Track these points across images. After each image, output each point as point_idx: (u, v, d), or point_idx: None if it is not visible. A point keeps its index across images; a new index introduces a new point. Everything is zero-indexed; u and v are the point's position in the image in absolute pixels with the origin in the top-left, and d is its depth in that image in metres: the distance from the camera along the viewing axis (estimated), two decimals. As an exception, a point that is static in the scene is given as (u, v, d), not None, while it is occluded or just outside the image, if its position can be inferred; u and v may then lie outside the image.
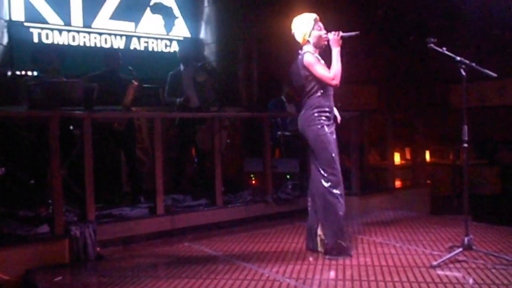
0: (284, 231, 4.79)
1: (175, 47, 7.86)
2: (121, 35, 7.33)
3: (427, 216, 6.00)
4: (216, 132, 5.14)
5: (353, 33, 3.79)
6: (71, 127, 4.83)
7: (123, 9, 7.34)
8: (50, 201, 4.23)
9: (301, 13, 3.93)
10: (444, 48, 3.76)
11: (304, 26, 3.86)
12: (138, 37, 7.53)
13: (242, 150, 7.11)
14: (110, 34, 7.22)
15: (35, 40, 6.56)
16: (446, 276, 3.31)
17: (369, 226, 4.90)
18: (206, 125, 5.70)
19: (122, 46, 7.31)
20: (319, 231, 3.90)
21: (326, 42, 3.84)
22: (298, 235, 4.58)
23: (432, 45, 3.78)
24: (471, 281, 3.21)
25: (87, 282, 3.58)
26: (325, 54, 3.92)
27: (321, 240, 3.88)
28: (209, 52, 8.19)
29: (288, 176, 6.29)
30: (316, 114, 3.80)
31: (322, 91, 3.83)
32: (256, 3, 7.82)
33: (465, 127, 3.65)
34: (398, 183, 7.04)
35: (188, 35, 8.07)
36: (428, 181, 7.40)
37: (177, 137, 5.95)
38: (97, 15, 7.12)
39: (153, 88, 6.15)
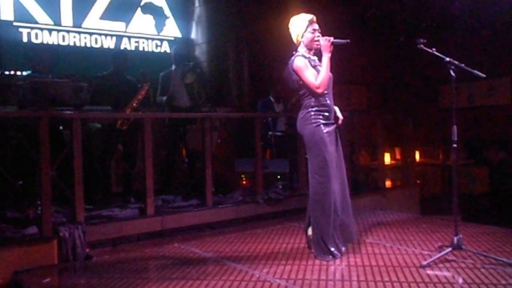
0: (275, 232, 4.79)
1: (166, 47, 7.84)
2: (111, 35, 7.30)
3: (417, 215, 6.05)
4: (207, 133, 5.13)
5: (343, 41, 3.77)
6: (61, 127, 4.80)
7: (114, 9, 7.31)
8: (38, 202, 4.19)
9: (292, 13, 3.91)
10: (434, 49, 3.78)
11: (298, 27, 3.84)
12: (129, 37, 7.51)
13: (233, 150, 7.10)
14: (100, 34, 7.19)
15: (25, 40, 6.51)
16: (436, 275, 3.32)
17: (359, 226, 4.91)
18: (196, 125, 5.68)
19: (112, 46, 7.28)
20: (309, 231, 3.91)
21: (318, 46, 3.81)
22: (288, 236, 4.58)
23: (421, 46, 3.79)
24: (460, 280, 3.23)
25: (76, 284, 3.54)
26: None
27: (311, 239, 3.88)
28: (200, 52, 8.17)
29: (278, 177, 6.30)
30: (312, 113, 3.76)
31: None
32: (246, 3, 7.82)
33: (455, 127, 3.65)
34: (388, 183, 7.08)
35: (179, 35, 8.05)
36: (418, 181, 7.45)
37: (167, 137, 5.92)
38: (87, 15, 7.09)
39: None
